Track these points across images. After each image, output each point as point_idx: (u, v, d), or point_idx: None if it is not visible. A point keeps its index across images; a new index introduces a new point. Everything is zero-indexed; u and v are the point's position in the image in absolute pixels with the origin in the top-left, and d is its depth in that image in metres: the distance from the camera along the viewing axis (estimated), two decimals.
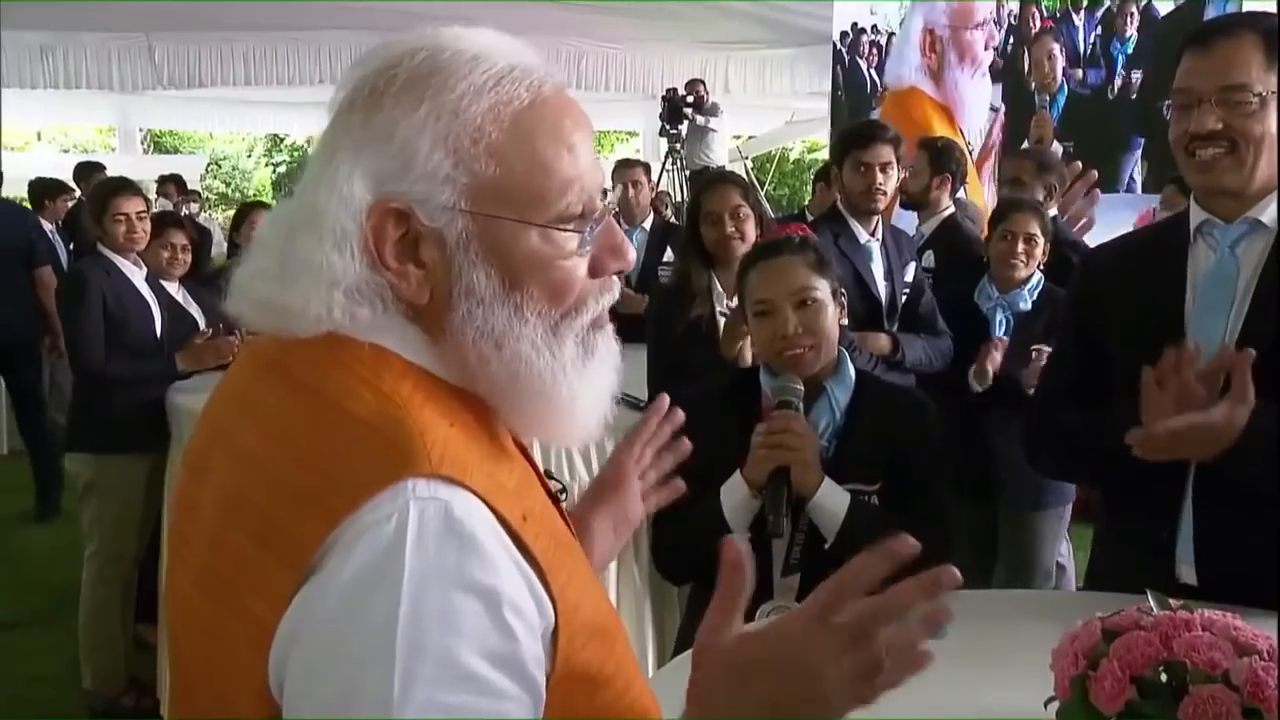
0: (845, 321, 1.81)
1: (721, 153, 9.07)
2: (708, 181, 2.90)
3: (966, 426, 2.78)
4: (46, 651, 3.44)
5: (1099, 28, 5.29)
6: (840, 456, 1.70)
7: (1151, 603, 1.14)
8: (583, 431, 0.83)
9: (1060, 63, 5.43)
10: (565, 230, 0.78)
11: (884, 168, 2.83)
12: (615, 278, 0.83)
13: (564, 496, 0.90)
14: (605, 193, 0.82)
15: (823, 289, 1.75)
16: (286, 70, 10.23)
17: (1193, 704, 1.02)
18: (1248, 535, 1.46)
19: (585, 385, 0.81)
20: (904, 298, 2.97)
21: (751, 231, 2.62)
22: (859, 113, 6.72)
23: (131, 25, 10.21)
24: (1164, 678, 1.06)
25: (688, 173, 8.57)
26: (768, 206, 9.77)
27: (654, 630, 2.74)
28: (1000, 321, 2.90)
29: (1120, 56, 5.17)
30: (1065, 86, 5.41)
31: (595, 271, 0.81)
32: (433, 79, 0.76)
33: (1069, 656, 1.12)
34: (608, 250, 0.82)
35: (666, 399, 1.13)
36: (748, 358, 2.43)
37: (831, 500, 1.63)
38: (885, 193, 2.86)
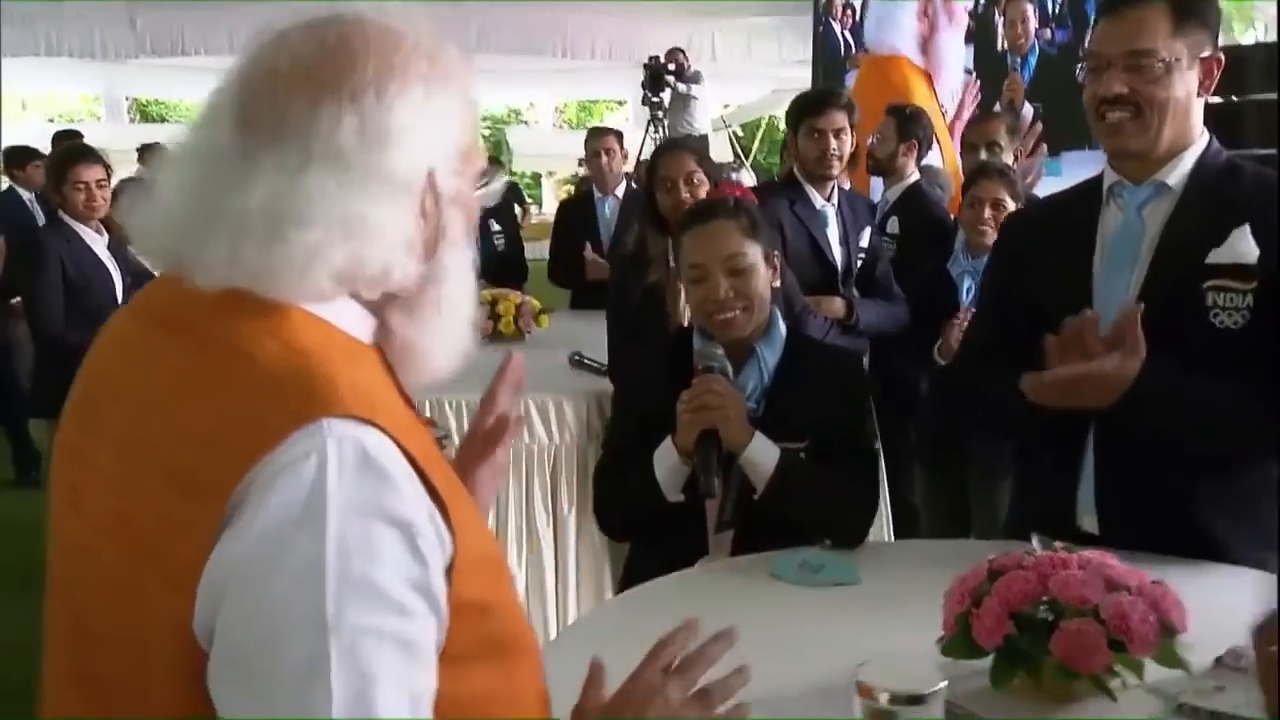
0: (777, 284, 1.85)
1: (704, 121, 9.04)
2: (663, 148, 2.93)
3: (935, 397, 2.81)
4: (13, 621, 3.48)
5: None
6: (768, 415, 1.74)
7: (1036, 544, 1.19)
8: (462, 354, 0.91)
9: (1033, 24, 5.43)
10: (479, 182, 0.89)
11: (837, 133, 2.86)
12: None
13: (445, 444, 0.94)
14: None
15: (754, 253, 1.78)
16: None
17: (1063, 637, 1.07)
18: (1144, 484, 1.51)
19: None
20: (859, 263, 3.01)
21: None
22: (833, 78, 6.70)
23: None
24: (1044, 613, 1.11)
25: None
26: (751, 174, 9.76)
27: (611, 580, 2.79)
28: (968, 288, 2.92)
29: (1092, 15, 5.18)
30: (1035, 47, 5.41)
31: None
32: (439, 64, 0.84)
33: (957, 596, 1.18)
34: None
35: (519, 356, 1.17)
36: (686, 318, 2.47)
37: (761, 455, 1.67)
38: (839, 158, 2.88)
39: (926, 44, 5.67)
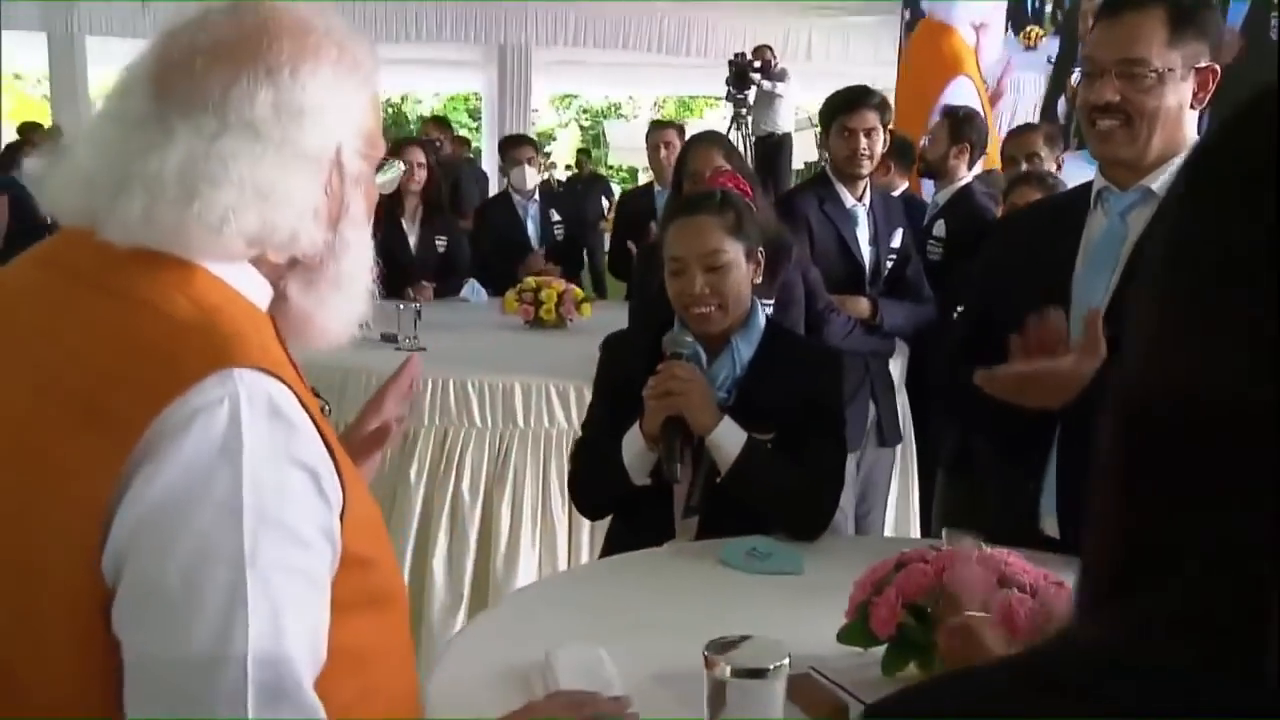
0: (758, 280, 1.85)
1: (788, 119, 8.98)
2: (693, 141, 2.95)
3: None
4: None
5: None
6: (738, 405, 1.76)
7: (944, 539, 1.19)
8: (355, 326, 0.97)
9: None
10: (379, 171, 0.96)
11: (868, 133, 2.84)
12: None
13: (328, 412, 0.99)
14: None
15: (734, 250, 1.78)
16: None
17: (946, 631, 1.08)
18: None
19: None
20: (890, 263, 2.99)
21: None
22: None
23: None
24: (938, 605, 1.12)
25: (753, 139, 8.53)
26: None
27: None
28: None
29: None
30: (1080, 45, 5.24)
31: None
32: (348, 52, 0.90)
33: (863, 585, 1.20)
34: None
35: (416, 359, 1.21)
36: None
37: (727, 439, 1.69)
38: (870, 157, 2.87)
39: (980, 27, 5.56)
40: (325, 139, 0.87)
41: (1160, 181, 1.54)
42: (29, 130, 6.58)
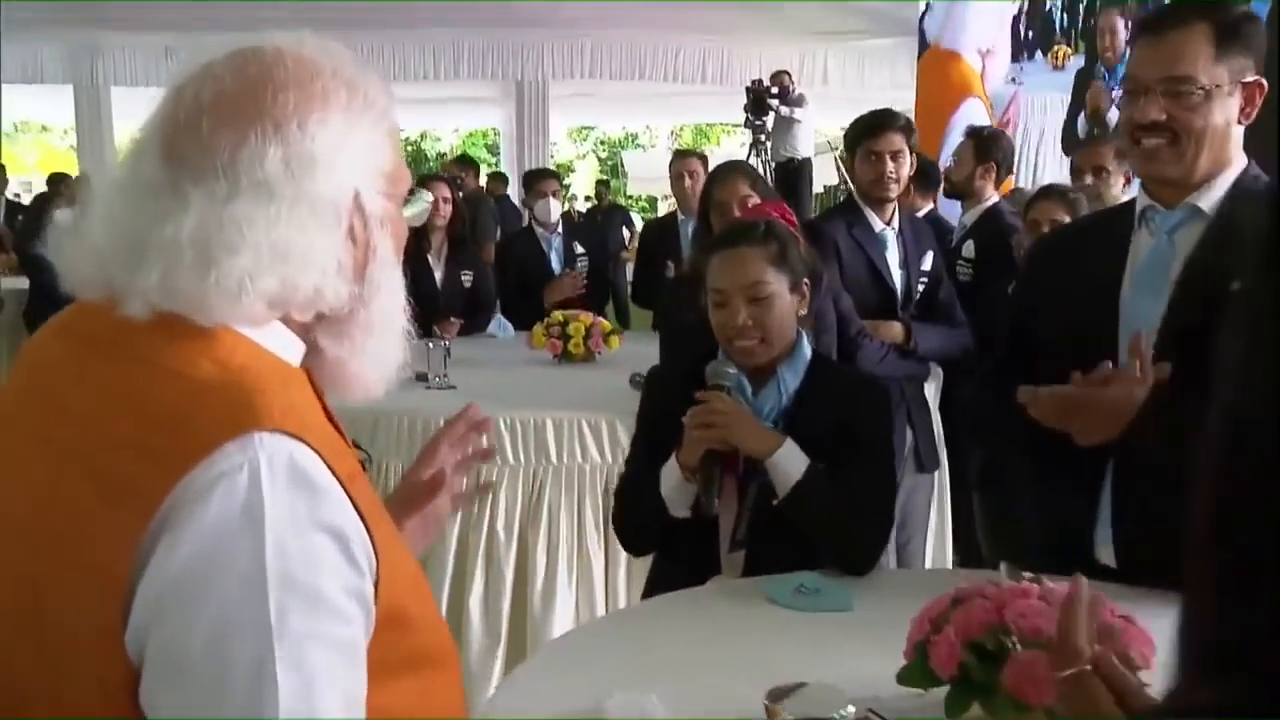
0: (804, 311, 1.83)
1: (808, 144, 8.98)
2: (718, 172, 2.94)
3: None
4: None
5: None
6: (787, 435, 1.72)
7: (1003, 573, 1.16)
8: (394, 374, 0.94)
9: (1123, 36, 5.21)
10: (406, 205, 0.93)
11: (894, 155, 2.82)
12: None
13: (368, 466, 1.00)
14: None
15: (778, 282, 1.77)
16: None
17: (1014, 667, 1.04)
18: (1163, 517, 1.44)
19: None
20: (921, 287, 2.96)
21: None
22: None
23: (249, 25, 10.74)
24: (1012, 644, 1.08)
25: (773, 164, 8.53)
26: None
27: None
28: None
29: None
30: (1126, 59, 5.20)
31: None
32: (359, 91, 0.87)
33: (920, 623, 1.16)
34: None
35: (476, 406, 1.18)
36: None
37: (790, 461, 1.65)
38: (897, 180, 2.84)
39: (984, 53, 5.57)
40: (341, 186, 0.84)
41: (1209, 199, 1.51)
42: (58, 181, 6.69)
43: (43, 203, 6.16)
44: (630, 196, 21.44)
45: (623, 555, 2.80)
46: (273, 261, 0.80)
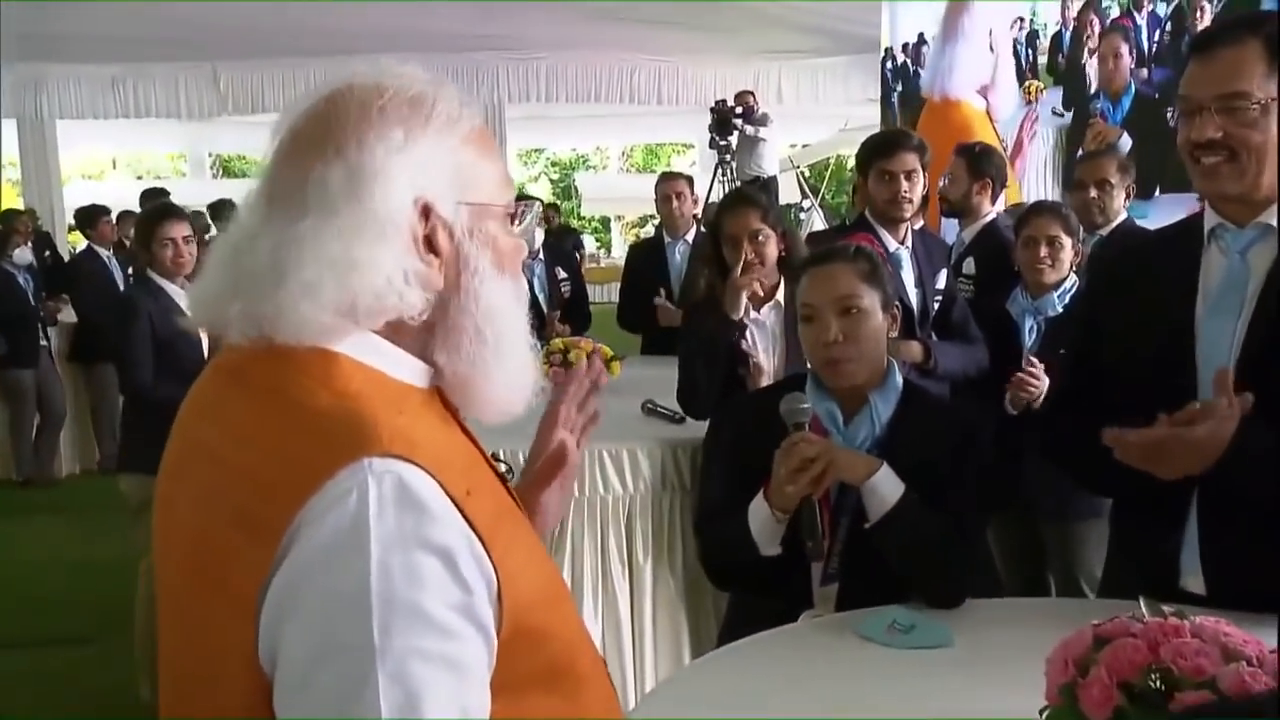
0: (894, 334, 1.80)
1: (772, 163, 9.03)
2: (727, 202, 2.90)
3: (1001, 438, 2.73)
4: (112, 664, 3.57)
5: (1168, 24, 5.14)
6: None
7: (1144, 609, 1.12)
8: (529, 390, 0.95)
9: (1127, 60, 5.28)
10: (511, 215, 0.95)
11: (908, 175, 2.81)
12: None
13: (510, 476, 1.00)
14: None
15: (870, 299, 1.73)
16: None
17: (1177, 709, 1.00)
18: (1254, 544, 1.43)
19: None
20: (936, 305, 2.95)
21: (773, 252, 2.63)
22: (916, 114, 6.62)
23: (197, 55, 10.56)
24: (1156, 684, 1.04)
25: (738, 184, 8.56)
26: (820, 213, 9.68)
27: (689, 633, 2.75)
28: (1030, 329, 2.85)
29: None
30: (1131, 87, 5.27)
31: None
32: (423, 106, 0.89)
33: (1060, 664, 1.11)
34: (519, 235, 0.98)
35: (594, 361, 1.21)
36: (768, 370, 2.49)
37: (886, 486, 1.62)
38: (911, 201, 2.83)
39: (985, 88, 5.63)
40: (402, 196, 0.86)
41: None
42: (11, 218, 6.51)
43: (1, 241, 5.95)
44: (583, 218, 21.42)
45: (648, 587, 2.74)
46: (334, 272, 0.84)
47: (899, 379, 1.76)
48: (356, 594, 0.76)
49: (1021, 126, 5.38)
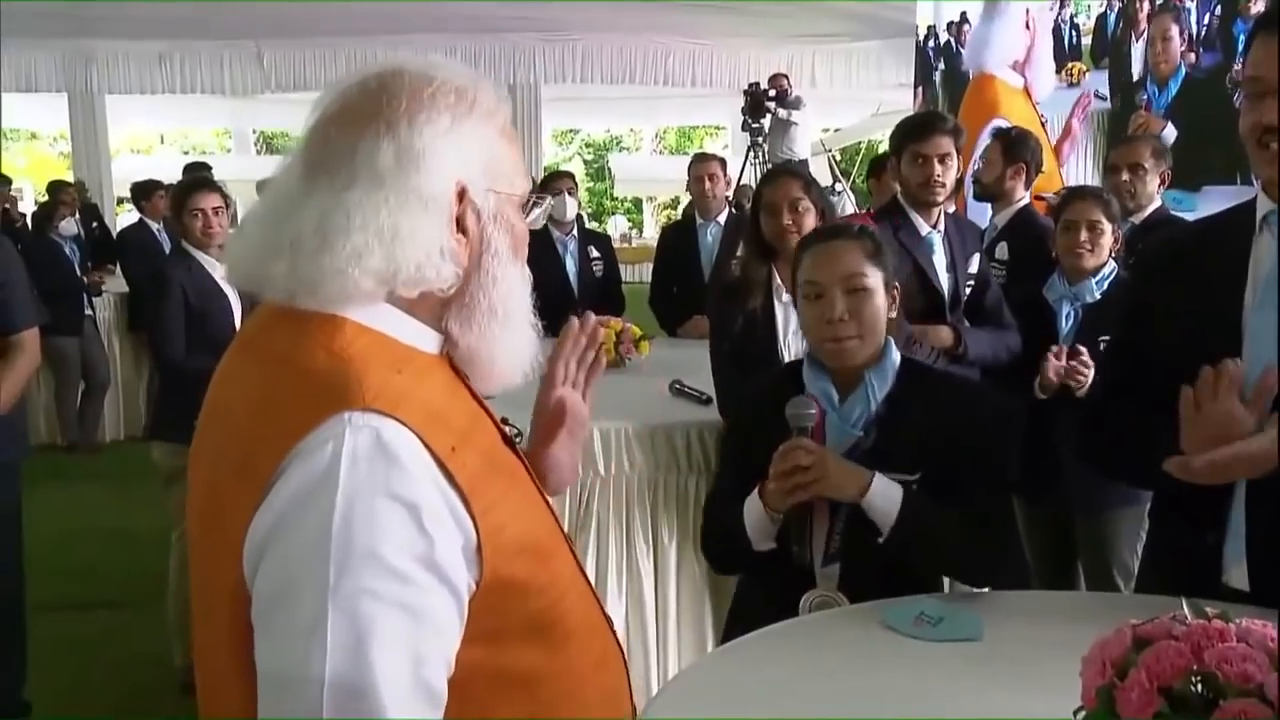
0: (894, 314, 1.77)
1: (804, 146, 8.96)
2: (770, 174, 2.87)
3: (1033, 427, 2.69)
4: (147, 630, 3.61)
5: (1218, 6, 4.99)
6: (879, 445, 1.67)
7: (1187, 610, 1.07)
8: (528, 365, 1.03)
9: (1177, 44, 5.14)
10: (527, 202, 1.03)
11: (942, 159, 2.75)
12: None
13: (519, 439, 1.07)
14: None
15: (874, 277, 1.71)
16: None
17: (1224, 718, 0.96)
18: None
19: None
20: (968, 290, 2.89)
21: (811, 224, 2.59)
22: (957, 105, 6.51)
23: (242, 33, 10.64)
24: (1197, 688, 1.00)
25: (770, 166, 8.48)
26: (851, 197, 9.60)
27: (713, 614, 2.73)
28: (1067, 315, 2.80)
29: (1242, 37, 4.88)
30: (1181, 69, 5.13)
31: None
32: (467, 97, 0.96)
33: (1097, 665, 1.07)
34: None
35: (585, 319, 1.25)
36: (792, 349, 2.48)
37: (883, 498, 1.60)
38: (944, 184, 2.77)
39: (1021, 64, 5.55)
40: (444, 177, 0.92)
41: None
42: (58, 190, 6.65)
43: (48, 210, 6.08)
44: (615, 198, 21.36)
45: (673, 567, 2.72)
46: (379, 241, 0.89)
47: (896, 357, 1.74)
48: (319, 537, 0.81)
49: (1073, 111, 5.25)
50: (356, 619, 0.80)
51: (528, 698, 0.92)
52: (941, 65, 7.09)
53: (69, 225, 6.21)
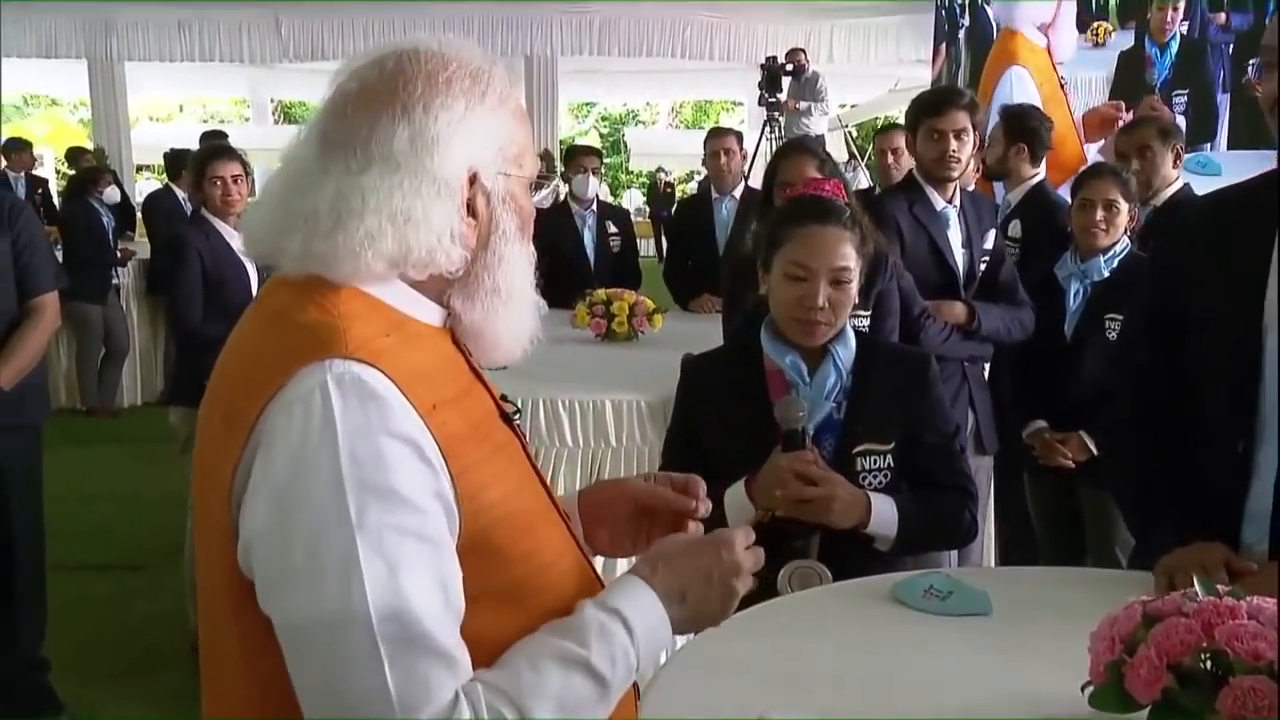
0: (855, 298, 1.81)
1: (821, 122, 8.87)
2: (784, 150, 2.85)
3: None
4: (162, 591, 3.65)
5: None
6: (851, 417, 1.73)
7: (1197, 587, 1.07)
8: (527, 343, 1.04)
9: (1182, 7, 5.07)
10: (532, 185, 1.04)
11: (958, 134, 2.73)
12: None
13: (517, 415, 1.07)
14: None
15: (856, 265, 1.76)
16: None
17: (1232, 695, 0.96)
18: None
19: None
20: (983, 266, 2.87)
21: None
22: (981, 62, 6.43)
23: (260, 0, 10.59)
24: (1207, 665, 1.00)
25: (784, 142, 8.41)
26: (865, 174, 9.53)
27: None
28: (1075, 292, 2.80)
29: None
30: (1177, 35, 5.05)
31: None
32: (481, 81, 0.97)
33: (1106, 640, 1.07)
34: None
35: (701, 495, 1.17)
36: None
37: (884, 525, 1.68)
38: (959, 160, 2.75)
39: (1046, 25, 5.50)
40: (458, 162, 0.94)
41: None
42: (76, 155, 6.66)
43: (94, 176, 6.16)
44: (631, 172, 21.27)
45: None
46: (392, 225, 0.90)
47: (849, 327, 1.80)
48: (333, 482, 0.83)
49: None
50: (384, 550, 0.83)
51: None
52: (966, 20, 6.98)
53: (112, 193, 6.25)
